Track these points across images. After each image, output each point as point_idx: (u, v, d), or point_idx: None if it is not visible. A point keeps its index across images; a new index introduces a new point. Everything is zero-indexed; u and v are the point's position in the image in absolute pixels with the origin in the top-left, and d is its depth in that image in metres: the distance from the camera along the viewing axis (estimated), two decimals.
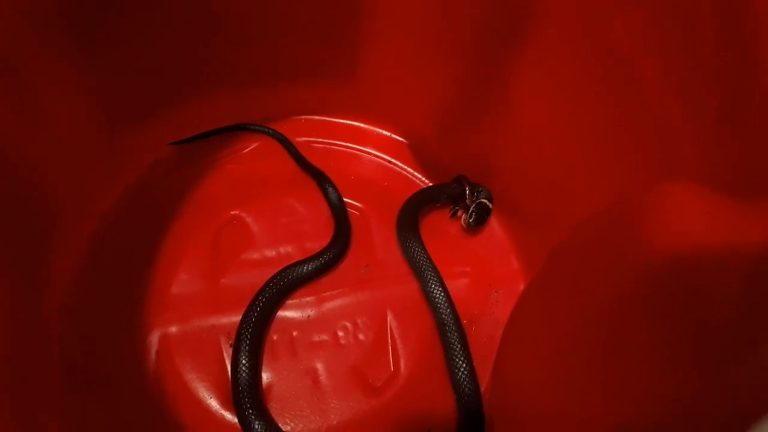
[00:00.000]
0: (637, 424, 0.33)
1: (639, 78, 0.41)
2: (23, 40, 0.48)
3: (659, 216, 0.33)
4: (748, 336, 0.28)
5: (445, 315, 0.57)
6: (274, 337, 0.57)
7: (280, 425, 0.52)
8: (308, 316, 0.58)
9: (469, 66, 0.58)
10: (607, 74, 0.44)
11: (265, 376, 0.55)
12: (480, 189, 0.64)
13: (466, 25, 0.54)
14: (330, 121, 0.72)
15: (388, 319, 0.59)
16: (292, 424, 0.53)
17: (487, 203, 0.63)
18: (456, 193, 0.65)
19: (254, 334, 0.54)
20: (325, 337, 0.57)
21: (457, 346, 0.56)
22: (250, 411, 0.51)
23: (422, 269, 0.60)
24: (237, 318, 0.56)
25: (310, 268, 0.59)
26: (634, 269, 0.35)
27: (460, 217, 0.65)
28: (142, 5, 0.54)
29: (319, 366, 0.56)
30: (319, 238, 0.62)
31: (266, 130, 0.70)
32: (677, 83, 0.38)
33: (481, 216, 0.63)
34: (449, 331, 0.56)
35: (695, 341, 0.30)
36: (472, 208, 0.63)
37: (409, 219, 0.63)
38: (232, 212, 0.63)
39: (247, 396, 0.51)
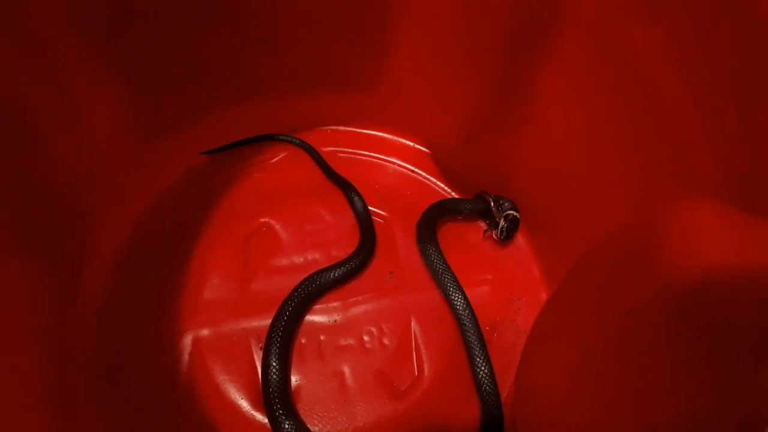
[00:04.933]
0: (659, 429, 0.34)
1: (659, 89, 0.42)
2: (67, 47, 0.50)
3: (680, 232, 0.34)
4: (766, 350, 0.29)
5: (464, 317, 0.58)
6: (303, 341, 0.58)
7: (308, 426, 0.53)
8: (335, 321, 0.60)
9: (492, 78, 0.59)
10: (627, 84, 0.45)
11: (294, 379, 0.56)
12: (502, 201, 0.66)
13: (490, 38, 0.55)
14: (355, 132, 0.74)
15: (412, 324, 0.60)
16: (320, 425, 0.54)
17: (515, 214, 0.64)
18: (481, 208, 0.66)
19: (284, 337, 0.56)
20: (351, 341, 0.59)
21: (476, 346, 0.57)
22: (281, 411, 0.52)
23: (440, 274, 0.61)
24: (266, 322, 0.58)
25: (336, 275, 0.60)
26: (655, 284, 0.35)
27: (491, 235, 0.66)
28: (175, 17, 0.56)
29: (346, 369, 0.57)
30: (344, 246, 0.64)
31: (294, 140, 0.72)
32: (696, 95, 0.39)
33: (512, 230, 0.64)
34: (469, 332, 0.58)
35: (714, 348, 0.31)
36: (502, 224, 0.64)
37: (427, 227, 0.64)
38: (261, 219, 0.65)
39: (277, 397, 0.53)
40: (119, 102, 0.58)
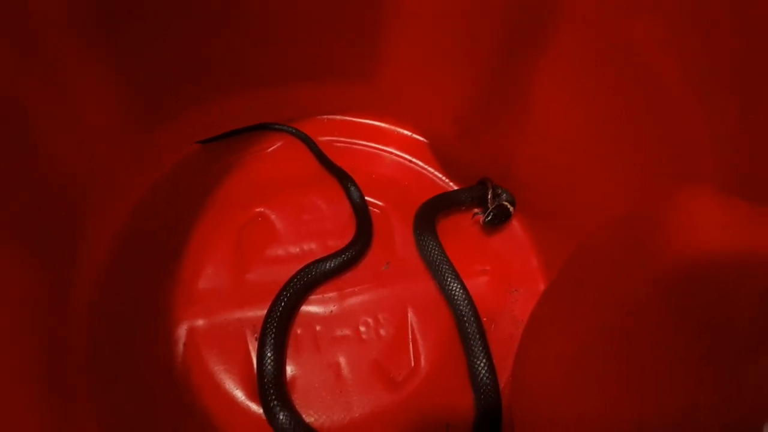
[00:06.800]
0: (656, 423, 0.34)
1: (659, 82, 0.41)
2: (66, 47, 0.50)
3: (679, 221, 0.34)
4: (766, 339, 0.28)
5: (463, 307, 0.58)
6: (298, 331, 0.58)
7: (304, 417, 0.53)
8: (331, 311, 0.59)
9: (490, 67, 0.58)
10: (626, 78, 0.45)
11: (289, 369, 0.56)
12: (501, 191, 0.65)
13: (488, 26, 0.55)
14: (352, 121, 0.73)
15: (409, 315, 0.60)
16: (316, 416, 0.54)
17: (508, 206, 0.64)
18: (480, 195, 0.66)
19: (279, 327, 0.56)
20: (347, 331, 0.58)
21: (476, 338, 0.57)
22: (275, 403, 0.52)
23: (438, 265, 0.61)
24: (262, 312, 0.57)
25: (333, 265, 0.60)
26: (653, 273, 0.35)
27: (478, 220, 0.65)
28: (173, 16, 0.56)
29: (342, 360, 0.57)
30: (341, 236, 0.63)
31: (290, 129, 0.71)
32: (697, 88, 0.38)
33: (499, 217, 0.64)
34: (468, 323, 0.57)
35: (713, 343, 0.31)
36: (491, 209, 0.64)
37: (425, 218, 0.64)
38: (256, 209, 0.65)
39: (272, 388, 0.53)
40: (117, 99, 0.58)
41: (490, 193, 0.65)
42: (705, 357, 0.31)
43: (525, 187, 0.65)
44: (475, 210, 0.67)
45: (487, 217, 0.64)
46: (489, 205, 0.65)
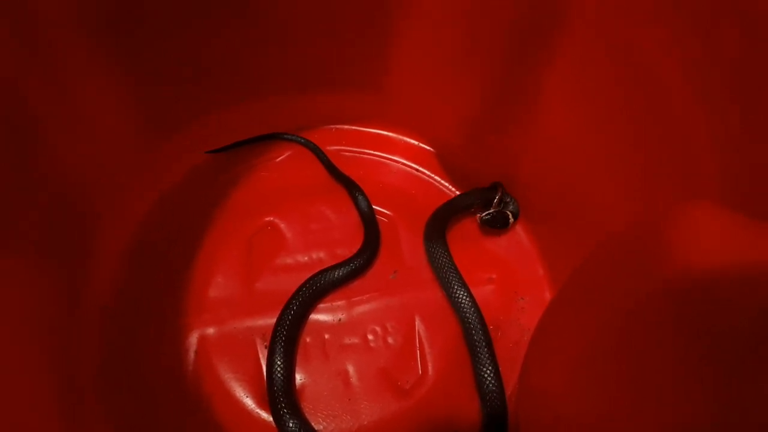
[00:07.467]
0: (657, 423, 0.34)
1: (659, 83, 0.42)
2: (68, 48, 0.50)
3: (682, 233, 0.34)
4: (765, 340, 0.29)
5: (470, 315, 0.59)
6: (307, 340, 0.59)
7: (313, 425, 0.54)
8: (339, 320, 0.60)
9: (496, 76, 0.59)
10: (629, 88, 0.45)
11: (299, 377, 0.57)
12: (509, 200, 0.66)
13: (494, 35, 0.55)
14: (359, 131, 0.74)
15: (416, 323, 0.60)
16: (325, 423, 0.55)
17: (510, 216, 0.65)
18: (489, 198, 0.66)
19: (288, 336, 0.56)
20: (355, 340, 0.59)
21: (482, 346, 0.57)
22: (285, 410, 0.53)
23: (445, 273, 0.61)
24: (271, 320, 0.58)
25: (341, 274, 0.61)
26: (657, 284, 0.35)
27: (477, 217, 0.66)
28: (177, 17, 0.56)
29: (350, 368, 0.57)
30: (349, 245, 0.64)
31: (299, 139, 0.72)
32: (699, 99, 0.39)
33: (496, 220, 0.64)
34: (474, 331, 0.58)
35: (715, 353, 0.31)
36: (492, 210, 0.64)
37: (437, 226, 0.64)
38: (266, 218, 0.66)
39: (281, 396, 0.53)
40: (122, 102, 0.59)
41: (497, 197, 0.66)
42: (705, 360, 0.31)
43: (531, 194, 0.65)
44: (479, 210, 0.67)
45: (485, 216, 0.64)
46: (493, 207, 0.65)
